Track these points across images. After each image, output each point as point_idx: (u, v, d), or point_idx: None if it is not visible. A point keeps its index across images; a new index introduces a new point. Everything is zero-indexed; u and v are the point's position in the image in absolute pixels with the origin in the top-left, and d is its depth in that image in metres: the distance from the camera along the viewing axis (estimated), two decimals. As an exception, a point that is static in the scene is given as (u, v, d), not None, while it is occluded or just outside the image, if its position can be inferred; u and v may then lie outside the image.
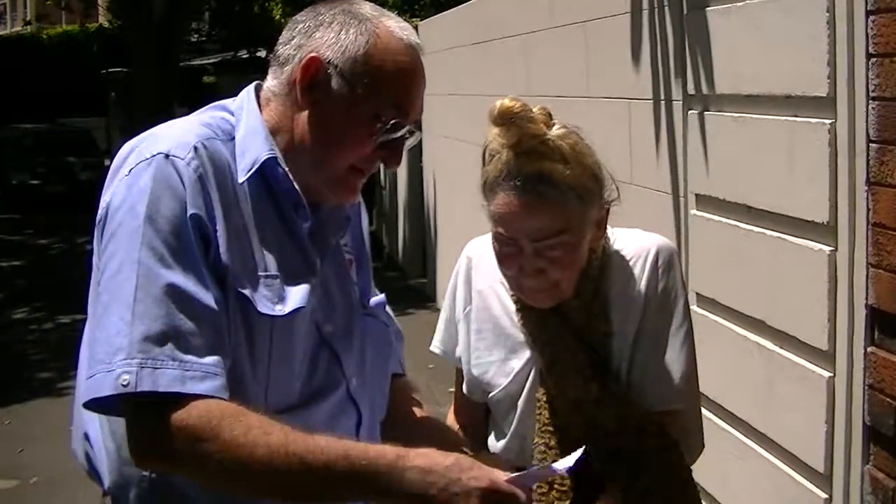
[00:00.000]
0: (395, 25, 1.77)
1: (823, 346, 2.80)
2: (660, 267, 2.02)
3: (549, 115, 1.96)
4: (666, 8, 3.87)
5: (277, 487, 1.56)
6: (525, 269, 1.95)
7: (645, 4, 4.05)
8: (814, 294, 2.82)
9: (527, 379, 2.07)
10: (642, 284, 2.01)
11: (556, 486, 1.98)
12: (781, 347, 3.04)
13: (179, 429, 1.54)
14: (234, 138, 1.75)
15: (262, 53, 20.93)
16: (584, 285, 2.01)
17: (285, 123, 1.77)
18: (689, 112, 3.64)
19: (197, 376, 1.57)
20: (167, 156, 1.65)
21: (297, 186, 1.75)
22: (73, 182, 18.98)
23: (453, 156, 8.23)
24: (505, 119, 1.91)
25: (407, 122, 1.76)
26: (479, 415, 2.21)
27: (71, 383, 7.37)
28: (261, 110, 1.79)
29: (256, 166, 1.72)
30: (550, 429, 2.02)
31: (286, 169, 1.74)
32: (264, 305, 1.69)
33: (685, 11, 3.65)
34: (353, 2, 1.80)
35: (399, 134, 1.76)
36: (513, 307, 2.10)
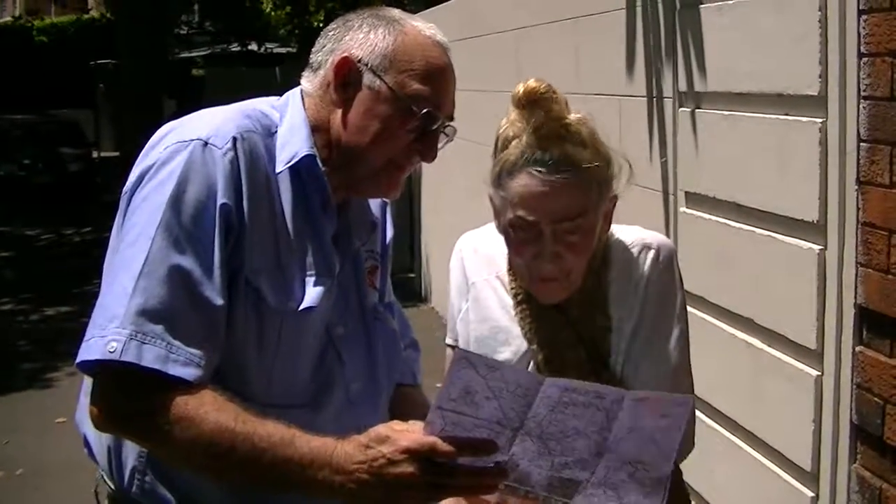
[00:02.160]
0: (422, 25, 1.84)
1: (812, 345, 2.80)
2: (660, 264, 2.03)
3: (566, 102, 1.97)
4: (658, 5, 3.86)
5: (221, 464, 1.60)
6: (543, 254, 1.94)
7: (637, 1, 4.04)
8: (803, 293, 2.82)
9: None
10: (642, 281, 2.02)
11: None
12: (770, 346, 3.05)
13: (149, 405, 1.59)
14: (272, 134, 1.79)
15: (252, 46, 20.90)
16: (585, 278, 2.02)
17: (322, 123, 1.81)
18: (680, 110, 3.64)
19: (179, 361, 1.60)
20: (206, 143, 1.69)
21: (328, 187, 1.79)
22: (61, 173, 18.92)
23: (442, 151, 8.20)
24: (530, 100, 1.93)
25: (440, 114, 1.80)
26: None
27: (57, 374, 7.38)
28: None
29: (295, 160, 1.77)
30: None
31: (322, 169, 1.78)
32: (277, 300, 1.72)
33: (677, 9, 3.64)
34: (380, 8, 1.87)
35: (434, 127, 1.80)
36: (509, 301, 2.09)
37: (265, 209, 1.73)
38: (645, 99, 4.01)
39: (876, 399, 2.52)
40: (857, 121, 2.57)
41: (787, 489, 2.95)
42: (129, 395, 1.61)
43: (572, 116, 1.95)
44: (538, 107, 1.91)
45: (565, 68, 4.96)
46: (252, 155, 1.73)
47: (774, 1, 2.98)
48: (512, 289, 2.09)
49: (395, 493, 1.53)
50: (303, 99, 1.85)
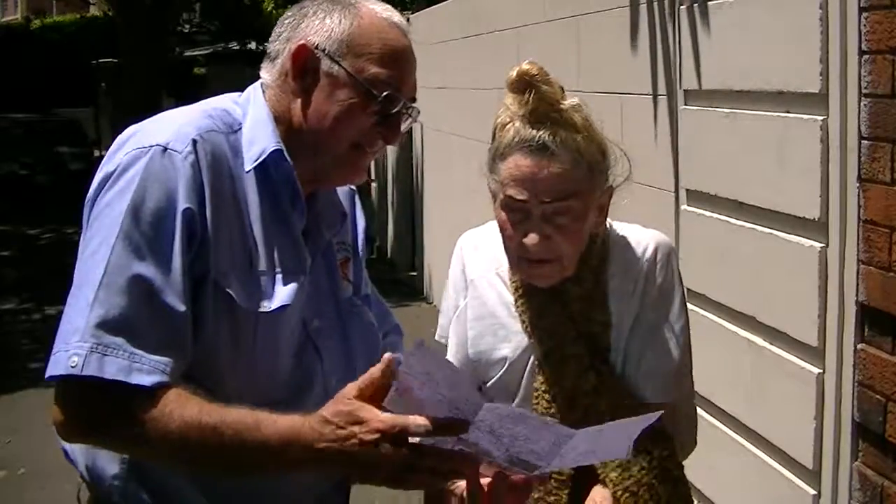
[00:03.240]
0: (378, 7, 1.81)
1: (813, 343, 2.80)
2: (658, 262, 2.05)
3: (562, 89, 1.99)
4: (659, 3, 3.86)
5: (196, 459, 1.61)
6: (531, 235, 1.96)
7: (638, -1, 4.04)
8: (804, 290, 2.82)
9: (524, 368, 2.08)
10: (641, 277, 2.03)
11: (553, 475, 1.99)
12: (771, 343, 3.05)
13: (112, 414, 1.59)
14: (236, 131, 1.78)
15: (252, 45, 20.89)
16: (584, 274, 2.03)
17: (283, 113, 1.80)
18: (682, 107, 3.64)
19: (144, 370, 1.59)
20: (165, 148, 1.66)
21: (297, 180, 1.77)
22: (62, 172, 18.92)
23: (444, 149, 8.22)
24: (523, 83, 1.95)
25: (401, 96, 1.78)
26: None
27: (59, 374, 7.37)
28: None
29: (263, 157, 1.75)
30: (547, 419, 2.02)
31: (290, 162, 1.76)
32: (248, 301, 1.70)
33: (679, 6, 3.64)
34: None
35: (395, 109, 1.78)
36: (509, 297, 2.11)
37: (231, 209, 1.71)
38: (646, 96, 4.01)
39: (877, 396, 2.52)
40: (858, 118, 2.57)
41: (789, 486, 2.95)
42: (92, 406, 1.60)
43: (567, 102, 1.97)
44: (531, 89, 1.94)
45: (567, 66, 4.96)
46: (214, 155, 1.71)
47: (775, -2, 2.98)
48: (513, 283, 2.10)
49: (365, 471, 1.56)
50: (264, 91, 1.83)
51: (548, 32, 5.35)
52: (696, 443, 2.17)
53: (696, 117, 3.52)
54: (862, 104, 2.55)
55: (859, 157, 2.58)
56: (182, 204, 1.64)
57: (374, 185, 11.84)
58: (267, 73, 1.83)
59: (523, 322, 2.07)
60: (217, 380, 1.70)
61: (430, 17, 8.98)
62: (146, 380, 1.58)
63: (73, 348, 1.58)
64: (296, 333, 1.80)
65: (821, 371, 2.79)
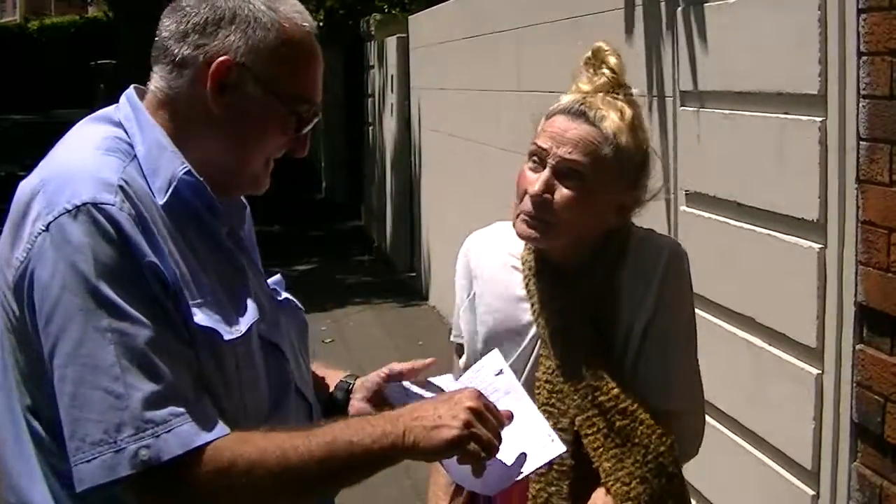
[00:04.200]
0: (294, 13, 1.70)
1: (812, 344, 2.81)
2: (673, 270, 2.08)
3: (628, 85, 2.10)
4: (659, 4, 3.86)
5: (304, 487, 1.59)
6: (537, 182, 2.02)
7: (637, 0, 4.04)
8: (803, 291, 2.82)
9: (528, 360, 2.10)
10: (655, 283, 2.05)
11: (555, 465, 2.00)
12: (770, 344, 3.05)
13: (201, 478, 1.51)
14: (135, 157, 1.63)
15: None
16: (597, 269, 2.07)
17: (192, 129, 1.67)
18: (681, 109, 3.64)
19: (202, 421, 1.52)
20: (95, 204, 1.52)
21: (211, 192, 1.66)
22: (62, 174, 18.91)
23: (443, 150, 8.21)
24: (598, 58, 2.08)
25: (315, 109, 1.73)
26: None
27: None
28: (151, 116, 1.68)
29: (175, 184, 1.62)
30: (549, 408, 2.04)
31: (200, 178, 1.64)
32: (227, 331, 1.63)
33: (677, 8, 3.64)
34: None
35: (312, 123, 1.73)
36: (516, 291, 2.14)
37: (172, 244, 1.59)
38: (645, 98, 4.01)
39: (876, 397, 2.52)
40: (857, 119, 2.57)
41: (788, 487, 2.95)
42: (179, 486, 1.51)
43: (625, 96, 2.06)
44: (601, 71, 2.06)
45: (566, 68, 4.96)
46: (138, 195, 1.57)
47: (774, 0, 2.98)
48: (525, 264, 2.14)
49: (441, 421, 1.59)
50: (142, 101, 1.69)
51: (546, 34, 5.35)
52: (697, 452, 2.18)
53: (694, 119, 3.52)
54: (860, 105, 2.55)
55: (858, 159, 2.58)
56: (143, 258, 1.53)
57: (372, 186, 11.84)
58: (164, 80, 1.68)
59: (532, 305, 2.10)
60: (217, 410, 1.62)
61: (430, 18, 8.97)
62: (212, 434, 1.52)
63: (132, 443, 1.47)
64: (259, 344, 1.72)
65: (819, 372, 2.79)
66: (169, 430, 1.49)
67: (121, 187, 1.56)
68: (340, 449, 1.56)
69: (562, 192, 2.01)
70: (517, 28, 5.95)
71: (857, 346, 2.62)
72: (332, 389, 2.00)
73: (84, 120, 1.74)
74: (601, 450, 2.01)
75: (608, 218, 2.06)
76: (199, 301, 1.60)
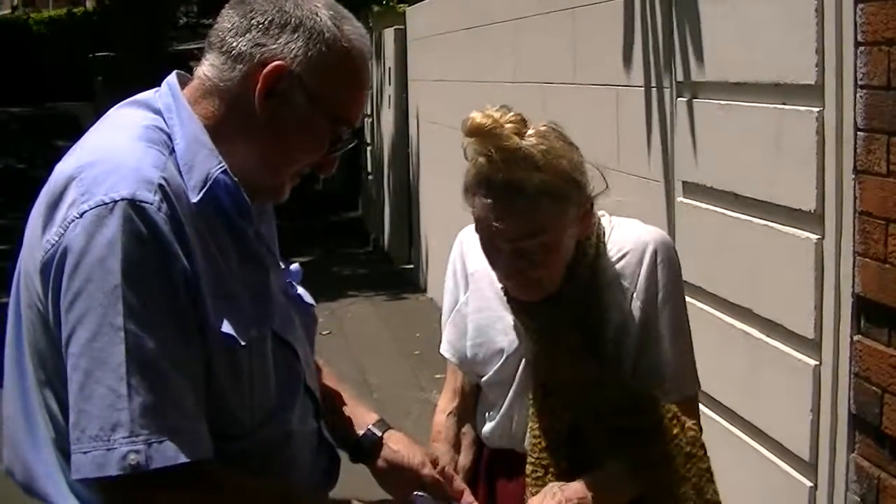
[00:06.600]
0: (356, 36, 1.69)
1: (810, 335, 2.80)
2: (659, 262, 2.04)
3: (524, 122, 1.95)
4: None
5: None
6: (506, 272, 1.99)
7: (634, -9, 4.04)
8: (800, 282, 2.82)
9: (519, 362, 2.09)
10: (642, 276, 2.03)
11: (551, 470, 2.00)
12: (768, 336, 3.04)
13: (181, 494, 1.55)
14: (173, 151, 1.62)
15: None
16: (580, 270, 2.03)
17: (232, 127, 1.66)
18: (678, 100, 3.64)
19: (194, 441, 1.53)
20: (133, 202, 1.51)
21: (244, 193, 1.65)
22: (59, 166, 18.91)
23: (440, 142, 8.21)
24: (476, 134, 1.91)
25: (352, 131, 1.73)
26: (470, 402, 2.24)
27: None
28: (192, 104, 1.67)
29: (210, 183, 1.61)
30: (544, 412, 2.03)
31: (236, 179, 1.63)
32: (244, 335, 1.62)
33: (674, -2, 3.64)
34: (331, 3, 1.70)
35: (346, 145, 1.72)
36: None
37: (203, 246, 1.59)
38: (642, 89, 4.01)
39: (874, 388, 2.52)
40: (854, 109, 2.56)
41: (786, 479, 2.95)
42: (153, 498, 1.53)
43: (526, 140, 1.91)
44: (486, 139, 1.90)
45: (562, 59, 4.96)
46: (176, 194, 1.56)
47: (771, -10, 2.98)
48: (502, 287, 2.10)
49: None
50: (183, 89, 1.68)
51: (544, 25, 5.34)
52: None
53: (691, 109, 3.51)
54: (858, 95, 2.55)
55: (855, 149, 2.57)
56: (173, 262, 1.53)
57: (369, 178, 11.83)
58: (216, 68, 1.66)
59: (515, 324, 2.09)
60: (230, 420, 1.65)
61: (428, 10, 8.96)
62: (198, 452, 1.53)
63: (124, 445, 1.47)
64: (273, 342, 1.73)
65: (817, 363, 2.79)
66: (161, 441, 1.49)
67: (160, 186, 1.54)
68: None
69: (533, 259, 1.95)
70: (515, 19, 5.94)
71: (855, 337, 2.62)
72: (360, 434, 1.99)
73: (123, 103, 1.73)
74: (601, 450, 2.00)
75: (578, 232, 2.01)
76: (222, 305, 1.60)
